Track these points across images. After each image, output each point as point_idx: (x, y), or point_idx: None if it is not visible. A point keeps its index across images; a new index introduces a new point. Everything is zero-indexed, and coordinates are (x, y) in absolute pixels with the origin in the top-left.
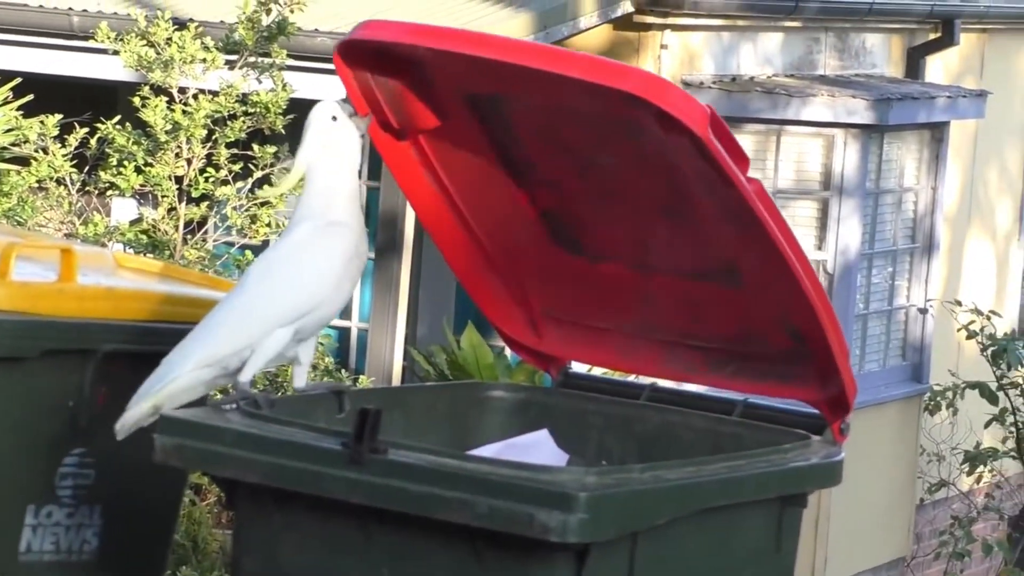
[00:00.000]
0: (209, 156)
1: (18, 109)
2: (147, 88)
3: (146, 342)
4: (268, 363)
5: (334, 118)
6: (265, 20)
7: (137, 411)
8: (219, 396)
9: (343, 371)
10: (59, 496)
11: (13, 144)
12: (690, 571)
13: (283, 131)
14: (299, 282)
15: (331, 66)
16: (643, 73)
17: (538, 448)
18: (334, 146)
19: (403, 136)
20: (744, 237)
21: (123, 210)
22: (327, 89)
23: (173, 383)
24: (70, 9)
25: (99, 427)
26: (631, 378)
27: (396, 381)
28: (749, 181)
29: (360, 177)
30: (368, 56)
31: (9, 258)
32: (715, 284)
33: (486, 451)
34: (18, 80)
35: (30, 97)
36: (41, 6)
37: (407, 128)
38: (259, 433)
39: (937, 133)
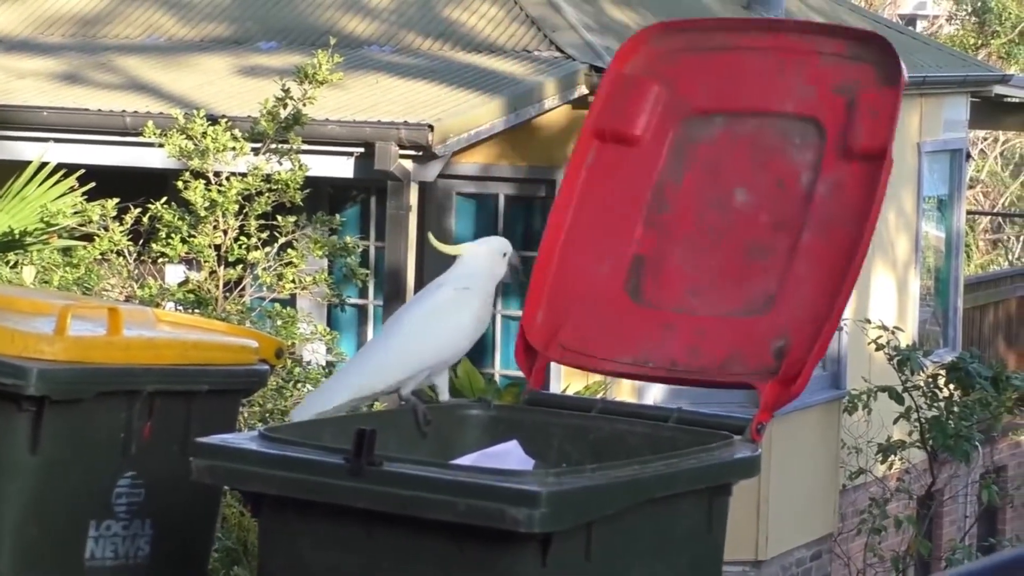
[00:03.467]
0: (241, 227)
1: (83, 195)
2: (188, 173)
3: (181, 382)
4: (416, 387)
5: (504, 254)
6: (283, 113)
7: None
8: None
9: None
10: (116, 512)
11: (80, 224)
12: (637, 552)
13: (301, 203)
14: (442, 336)
15: (339, 148)
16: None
17: (508, 456)
18: (491, 257)
19: (601, 140)
20: (832, 244)
21: (175, 274)
22: (337, 167)
23: (333, 407)
24: (124, 111)
25: (146, 454)
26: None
27: None
28: None
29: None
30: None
31: (66, 318)
32: (746, 317)
33: (465, 460)
34: (82, 171)
35: (92, 185)
36: (100, 109)
37: (609, 134)
38: (277, 453)
39: None
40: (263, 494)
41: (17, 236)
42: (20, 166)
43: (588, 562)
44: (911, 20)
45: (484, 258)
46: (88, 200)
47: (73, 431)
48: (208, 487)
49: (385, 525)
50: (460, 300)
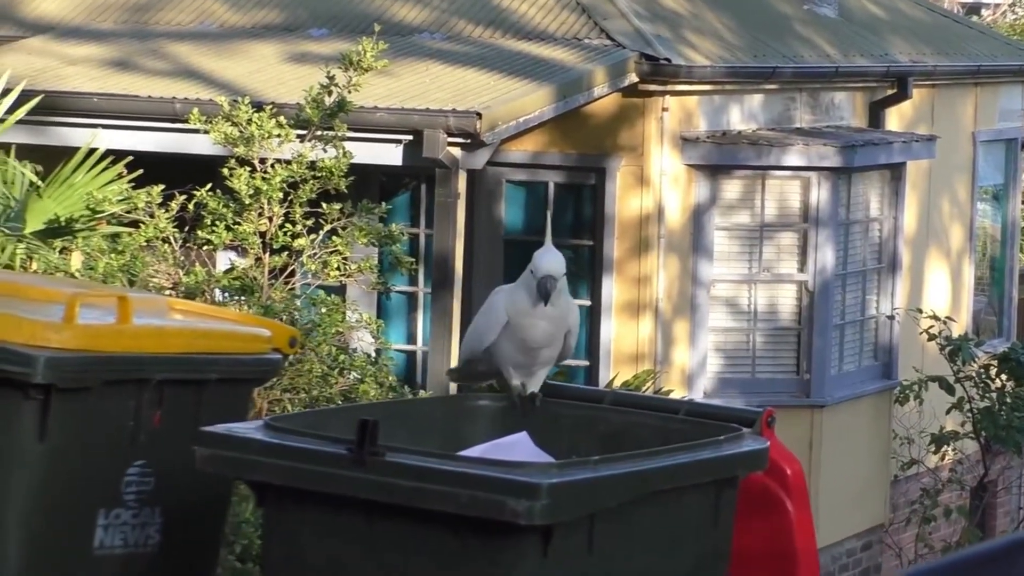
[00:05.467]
0: (286, 214)
1: (131, 182)
2: (233, 160)
3: (190, 371)
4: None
5: (532, 271)
6: (327, 100)
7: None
8: None
9: (407, 387)
10: (125, 500)
11: (127, 212)
12: (642, 544)
13: (345, 190)
14: (471, 333)
15: (388, 135)
16: None
17: (518, 447)
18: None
19: None
20: None
21: (226, 261)
22: (385, 154)
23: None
24: (174, 98)
25: (156, 442)
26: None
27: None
28: None
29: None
30: None
31: (75, 306)
32: None
33: (474, 451)
34: (130, 158)
35: (140, 172)
36: (150, 96)
37: None
38: (280, 443)
39: (896, 172)
40: (266, 483)
41: (64, 222)
42: (69, 152)
43: (590, 554)
44: (975, 8)
45: (527, 268)
46: (136, 187)
47: (81, 419)
48: (219, 475)
49: (387, 515)
50: (491, 300)
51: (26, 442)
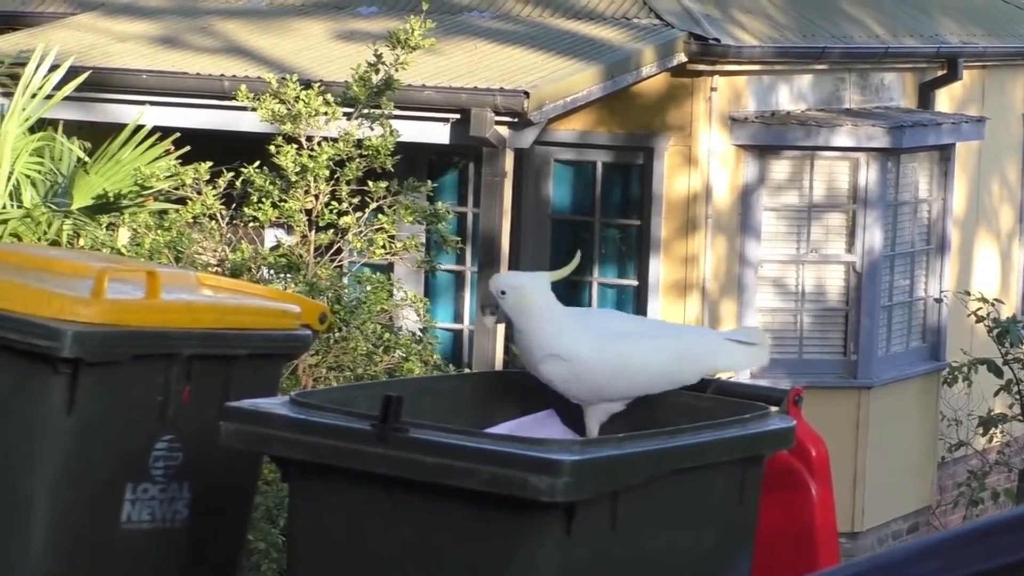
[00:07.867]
0: (332, 192)
1: (178, 159)
2: (280, 138)
3: (219, 346)
4: None
5: None
6: (375, 78)
7: None
8: None
9: (452, 366)
10: (153, 475)
11: (174, 188)
12: (666, 523)
13: (392, 169)
14: None
15: (435, 114)
16: None
17: (545, 425)
18: None
19: None
20: None
21: (273, 239)
22: (433, 133)
23: None
24: (222, 75)
25: (185, 417)
26: None
27: None
28: None
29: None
30: None
31: (103, 280)
32: None
33: (501, 428)
34: (177, 135)
35: (187, 149)
36: (198, 73)
37: None
38: (304, 418)
39: (945, 153)
40: (290, 458)
41: (112, 199)
42: (117, 129)
43: (614, 531)
44: None
45: None
46: (183, 164)
47: (109, 393)
48: (245, 450)
49: (409, 491)
50: None
51: (55, 416)
